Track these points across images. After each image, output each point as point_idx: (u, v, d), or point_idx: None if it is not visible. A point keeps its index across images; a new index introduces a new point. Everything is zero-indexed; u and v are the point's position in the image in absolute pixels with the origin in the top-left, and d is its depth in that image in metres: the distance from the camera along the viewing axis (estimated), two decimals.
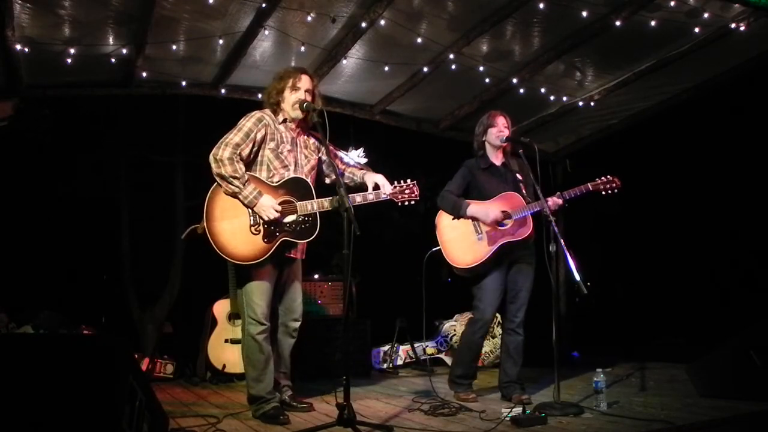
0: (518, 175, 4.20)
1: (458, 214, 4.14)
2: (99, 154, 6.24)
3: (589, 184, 4.07)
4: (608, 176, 4.09)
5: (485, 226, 4.11)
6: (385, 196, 3.69)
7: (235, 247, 3.51)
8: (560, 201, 4.03)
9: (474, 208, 4.11)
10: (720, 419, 3.54)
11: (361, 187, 3.81)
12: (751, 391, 3.89)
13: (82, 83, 4.91)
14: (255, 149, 3.62)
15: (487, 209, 4.08)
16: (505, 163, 4.27)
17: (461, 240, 4.15)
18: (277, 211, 3.50)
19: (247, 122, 3.62)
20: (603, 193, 4.08)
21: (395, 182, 3.73)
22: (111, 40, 4.45)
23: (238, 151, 3.52)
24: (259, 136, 3.61)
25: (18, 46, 4.26)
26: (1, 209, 5.59)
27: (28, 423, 2.31)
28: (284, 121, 3.74)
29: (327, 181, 3.89)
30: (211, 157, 3.50)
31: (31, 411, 2.33)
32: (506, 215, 4.09)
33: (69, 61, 4.48)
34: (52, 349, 2.52)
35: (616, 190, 4.07)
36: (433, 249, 4.36)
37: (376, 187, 3.75)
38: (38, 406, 2.33)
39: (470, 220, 4.15)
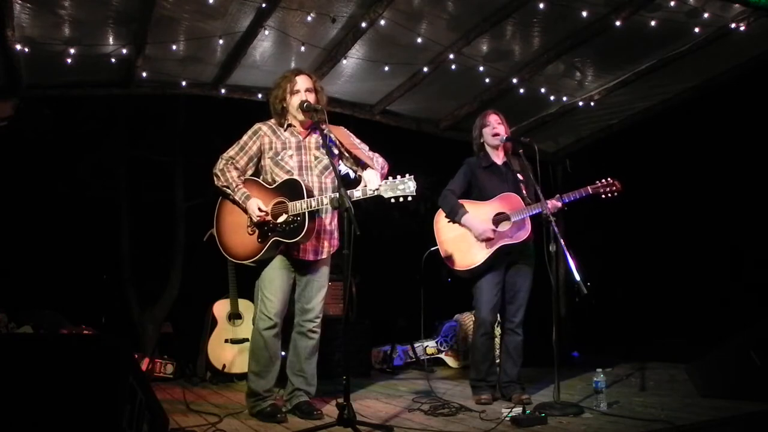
0: (519, 175, 4.18)
1: (453, 218, 4.14)
2: (99, 154, 6.24)
3: (589, 187, 4.05)
4: (608, 179, 4.06)
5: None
6: (371, 192, 3.53)
7: (234, 246, 3.72)
8: (559, 204, 4.02)
9: (469, 218, 4.09)
10: (720, 419, 3.54)
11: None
12: (751, 391, 3.88)
13: (82, 83, 4.92)
14: (255, 161, 3.77)
15: (480, 226, 4.05)
16: (506, 162, 4.26)
17: (459, 241, 4.14)
18: (262, 211, 3.57)
19: (244, 136, 3.80)
20: (603, 196, 4.05)
21: (389, 177, 3.57)
22: (111, 40, 4.45)
23: (231, 163, 3.71)
24: (254, 148, 3.75)
25: (18, 46, 4.27)
26: (2, 209, 5.59)
27: (29, 423, 2.31)
28: (289, 126, 3.76)
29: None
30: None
31: (31, 411, 2.32)
32: (504, 217, 4.09)
33: (69, 61, 4.48)
34: (52, 349, 2.52)
35: (616, 194, 4.05)
36: (432, 249, 4.35)
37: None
38: (38, 406, 2.33)
39: None
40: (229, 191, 3.67)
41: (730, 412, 3.67)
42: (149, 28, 4.27)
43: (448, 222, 4.19)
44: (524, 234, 4.05)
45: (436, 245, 4.26)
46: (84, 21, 4.21)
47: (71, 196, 6.15)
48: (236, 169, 3.71)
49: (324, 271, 3.81)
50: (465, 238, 4.13)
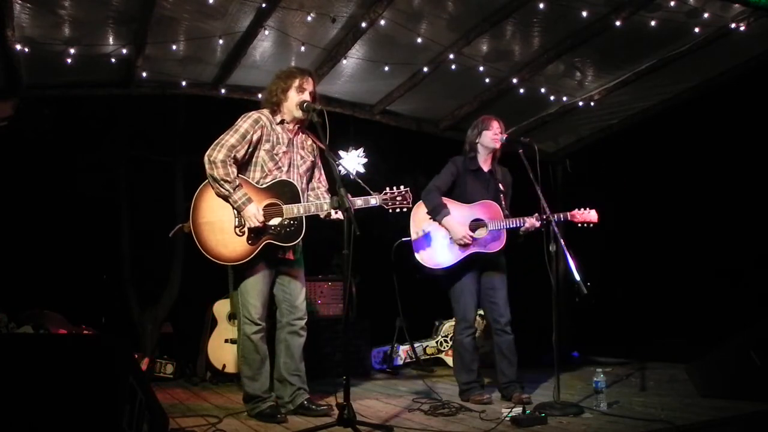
0: (501, 185, 4.25)
1: (435, 216, 4.15)
2: (99, 154, 6.23)
3: (568, 213, 4.06)
4: (586, 208, 4.06)
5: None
6: (375, 202, 3.63)
7: (219, 247, 3.53)
8: (537, 224, 4.01)
9: (449, 221, 4.10)
10: (720, 419, 3.54)
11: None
12: (751, 391, 3.88)
13: (82, 83, 4.93)
14: (250, 150, 3.62)
15: (459, 231, 4.07)
16: (491, 170, 4.31)
17: (433, 239, 4.18)
18: (259, 221, 3.49)
19: (244, 123, 3.62)
20: (579, 225, 4.09)
21: (387, 189, 3.65)
22: (111, 40, 4.46)
23: (232, 154, 3.52)
24: (255, 138, 3.61)
25: (18, 46, 4.27)
26: (1, 209, 5.58)
27: (28, 423, 2.31)
28: (282, 121, 3.72)
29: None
30: (205, 158, 3.51)
31: (31, 411, 2.32)
32: (482, 224, 4.13)
33: (69, 61, 4.48)
34: (52, 349, 2.52)
35: (590, 225, 4.09)
36: (404, 239, 4.37)
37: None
38: (38, 406, 2.33)
39: None
40: (227, 186, 3.47)
41: (730, 412, 3.67)
42: (149, 28, 4.27)
43: (428, 218, 4.19)
44: (498, 245, 4.10)
45: (409, 237, 4.27)
46: (84, 21, 4.21)
47: (71, 196, 6.13)
48: (236, 161, 3.54)
49: (302, 268, 3.81)
50: (438, 237, 4.16)
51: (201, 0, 4.11)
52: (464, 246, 4.07)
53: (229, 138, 3.55)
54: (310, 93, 3.69)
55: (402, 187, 3.67)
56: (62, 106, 5.72)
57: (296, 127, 3.76)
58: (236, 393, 4.57)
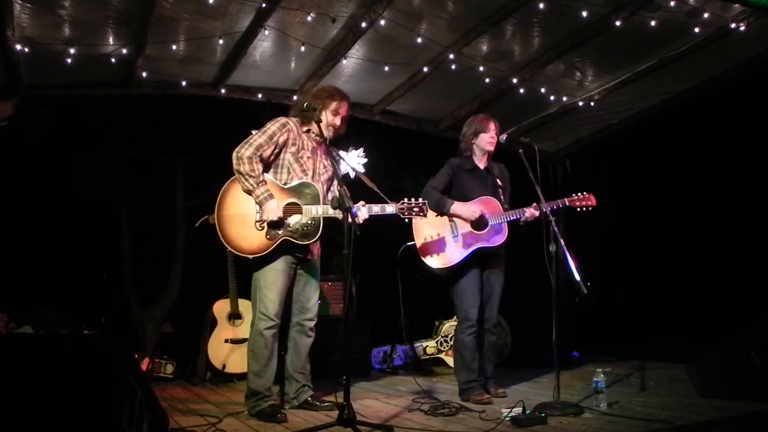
0: (498, 180, 4.31)
1: (441, 210, 4.21)
2: (99, 154, 6.23)
3: (566, 199, 4.16)
4: (584, 193, 4.15)
5: (462, 227, 4.19)
6: (391, 210, 3.76)
7: (239, 239, 3.68)
8: (537, 213, 4.08)
9: (457, 206, 4.19)
10: (720, 419, 3.54)
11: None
12: (751, 391, 3.88)
13: (82, 83, 4.93)
14: (277, 151, 3.78)
15: (470, 208, 4.16)
16: (488, 167, 4.36)
17: (437, 239, 4.21)
18: (277, 215, 3.62)
19: (272, 126, 3.80)
20: (578, 209, 4.15)
21: (404, 199, 3.77)
22: (111, 40, 4.46)
23: (259, 152, 3.69)
24: (281, 140, 3.78)
25: (18, 46, 4.27)
26: (1, 209, 5.58)
27: (28, 423, 2.31)
28: (308, 130, 3.88)
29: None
30: (234, 154, 3.68)
31: (31, 411, 2.32)
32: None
33: (69, 61, 4.48)
34: (52, 349, 2.52)
35: (590, 209, 4.15)
36: (408, 243, 4.42)
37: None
38: (38, 406, 2.33)
39: (447, 220, 4.23)
40: (251, 181, 3.64)
41: (730, 412, 3.67)
42: (149, 28, 4.27)
43: (435, 217, 4.23)
44: (501, 238, 4.18)
45: (413, 241, 4.32)
46: (84, 21, 4.21)
47: (71, 196, 6.13)
48: (261, 160, 3.71)
49: (318, 271, 3.95)
50: (443, 236, 4.22)
51: (201, 0, 4.11)
52: (480, 220, 4.12)
53: (258, 138, 3.73)
54: (342, 118, 3.88)
55: (420, 199, 3.80)
56: (62, 106, 5.72)
57: (320, 138, 3.89)
58: (236, 393, 4.57)
